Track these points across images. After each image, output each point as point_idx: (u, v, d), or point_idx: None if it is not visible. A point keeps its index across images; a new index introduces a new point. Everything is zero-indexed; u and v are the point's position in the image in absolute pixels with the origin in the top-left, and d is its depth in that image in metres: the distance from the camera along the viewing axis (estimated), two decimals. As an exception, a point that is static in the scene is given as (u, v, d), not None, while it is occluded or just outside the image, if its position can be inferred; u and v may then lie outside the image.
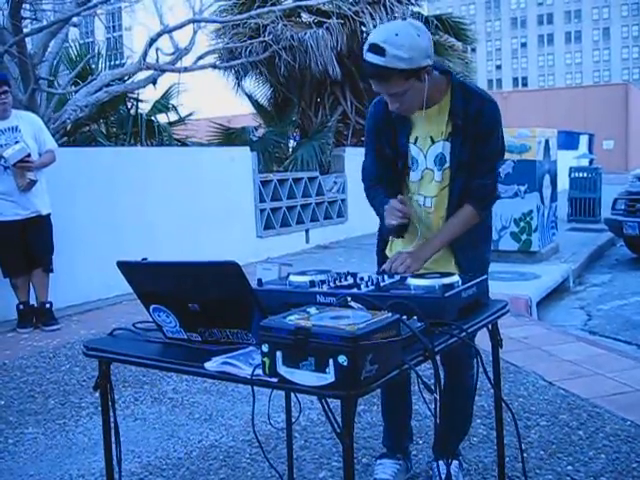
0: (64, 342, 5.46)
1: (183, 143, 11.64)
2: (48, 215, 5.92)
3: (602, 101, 46.46)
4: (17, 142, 5.64)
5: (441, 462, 2.69)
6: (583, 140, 29.53)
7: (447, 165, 2.48)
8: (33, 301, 5.99)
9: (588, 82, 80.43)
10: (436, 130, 2.47)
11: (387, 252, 2.72)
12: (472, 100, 2.43)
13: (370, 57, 2.21)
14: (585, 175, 14.09)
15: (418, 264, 2.35)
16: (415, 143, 2.52)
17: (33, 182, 5.68)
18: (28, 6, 8.01)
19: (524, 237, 8.66)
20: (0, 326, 5.94)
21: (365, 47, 2.24)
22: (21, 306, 5.88)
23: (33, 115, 6.26)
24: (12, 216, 5.69)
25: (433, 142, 2.49)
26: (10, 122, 5.76)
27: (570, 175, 14.21)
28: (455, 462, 2.79)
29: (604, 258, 10.23)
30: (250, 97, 13.09)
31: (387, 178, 2.60)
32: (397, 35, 2.20)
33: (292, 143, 12.64)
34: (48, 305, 6.01)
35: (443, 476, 2.57)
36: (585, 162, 21.94)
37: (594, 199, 13.74)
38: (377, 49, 2.18)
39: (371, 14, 10.62)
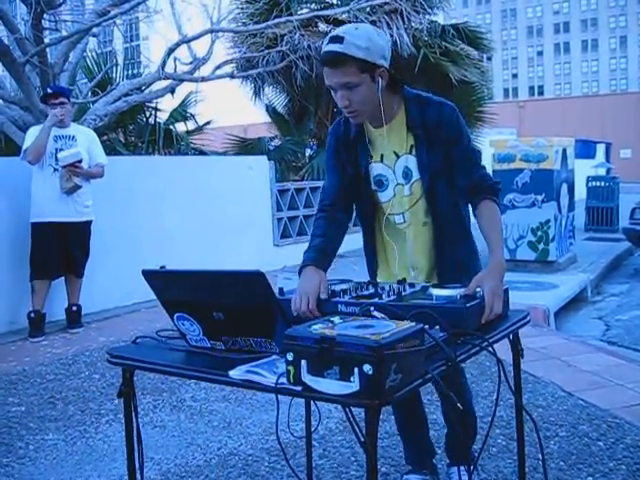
0: (83, 349, 5.50)
1: (201, 152, 11.72)
2: (89, 222, 6.14)
3: (619, 109, 46.27)
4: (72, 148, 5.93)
5: (460, 468, 2.69)
6: (600, 149, 29.41)
7: (414, 178, 2.45)
8: (48, 311, 6.08)
9: (605, 90, 80.00)
10: (398, 145, 2.45)
11: (379, 277, 2.66)
12: (428, 109, 2.39)
13: (328, 47, 2.21)
14: (602, 184, 14.04)
15: (500, 296, 2.17)
16: (382, 161, 2.49)
17: (77, 187, 5.91)
18: (49, 17, 8.10)
19: (541, 246, 8.63)
20: (19, 333, 5.99)
21: (325, 42, 2.25)
22: (32, 314, 5.93)
23: (90, 130, 6.65)
24: (53, 217, 5.88)
25: (398, 157, 2.46)
26: (68, 131, 6.07)
27: (587, 184, 14.16)
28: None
29: (622, 268, 10.18)
30: (267, 106, 13.15)
31: (345, 201, 2.55)
32: (357, 29, 2.24)
33: (309, 152, 12.69)
34: (75, 308, 6.17)
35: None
36: (602, 171, 21.84)
37: (612, 208, 13.68)
38: (336, 38, 2.19)
39: (388, 23, 10.64)
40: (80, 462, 3.37)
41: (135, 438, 2.17)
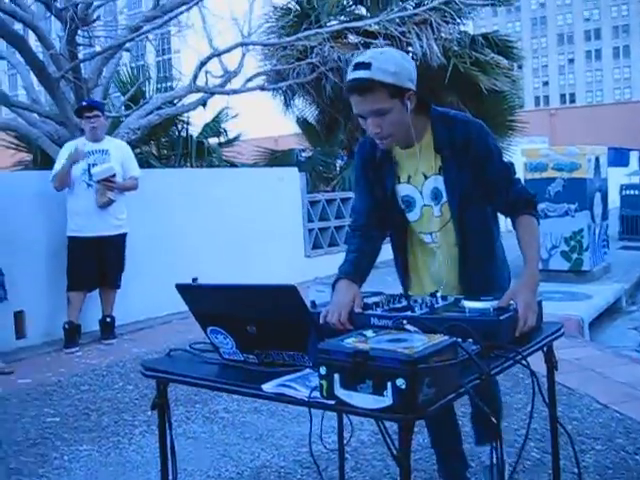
0: (117, 360, 5.56)
1: (232, 164, 11.80)
2: (124, 235, 6.23)
3: (653, 116, 45.62)
4: (105, 162, 6.00)
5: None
6: (634, 157, 29.04)
7: (444, 199, 2.42)
8: (82, 322, 6.16)
9: (637, 97, 79.03)
10: (426, 165, 2.41)
11: (410, 292, 2.63)
12: (455, 128, 2.35)
13: (355, 74, 2.17)
14: (636, 192, 13.87)
15: (534, 309, 2.16)
16: (409, 182, 2.46)
17: (111, 201, 6.00)
18: (83, 33, 8.23)
19: (575, 256, 8.54)
20: (54, 344, 6.07)
21: (350, 69, 2.21)
22: (67, 325, 6.01)
23: (124, 143, 6.72)
24: (88, 232, 5.98)
25: (426, 178, 2.43)
26: (101, 145, 6.14)
27: (621, 192, 13.99)
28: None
29: (658, 277, 10.00)
30: (297, 118, 13.21)
31: (377, 220, 2.54)
32: (382, 54, 2.22)
33: (340, 163, 12.71)
34: (109, 319, 6.26)
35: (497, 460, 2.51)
36: (636, 179, 21.54)
37: (646, 217, 13.49)
38: (363, 65, 2.16)
39: (417, 34, 10.65)
40: (114, 473, 3.40)
41: (169, 450, 2.19)
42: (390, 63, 2.16)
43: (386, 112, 2.20)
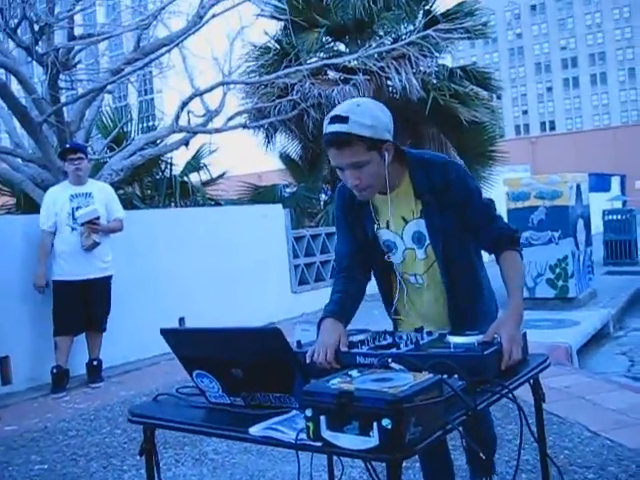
0: (104, 404, 5.50)
1: (216, 202, 11.83)
2: (110, 277, 6.21)
3: (632, 141, 46.27)
4: (89, 205, 6.01)
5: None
6: (615, 182, 29.37)
7: (428, 242, 2.44)
8: (69, 366, 6.10)
9: (616, 123, 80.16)
10: (406, 210, 2.42)
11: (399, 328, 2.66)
12: (434, 172, 2.35)
13: (332, 127, 2.16)
14: (619, 217, 13.98)
15: (519, 342, 2.15)
16: (388, 227, 2.47)
17: (96, 244, 5.99)
18: (65, 77, 8.28)
19: (560, 283, 8.59)
20: (40, 389, 6.01)
21: (326, 122, 2.20)
22: (55, 370, 5.96)
23: (107, 185, 6.72)
24: (73, 276, 5.97)
25: (406, 222, 2.44)
26: (85, 188, 6.15)
27: (604, 218, 14.11)
28: (494, 476, 2.85)
29: (643, 301, 10.06)
30: (280, 154, 13.29)
31: (361, 262, 2.55)
32: (359, 106, 2.19)
33: (324, 198, 12.77)
34: (96, 362, 6.22)
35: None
36: (618, 204, 21.78)
37: (630, 241, 13.60)
38: (340, 119, 2.15)
39: (396, 69, 10.77)
40: (104, 521, 3.36)
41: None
42: (367, 116, 2.16)
43: (364, 164, 2.21)
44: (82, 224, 5.94)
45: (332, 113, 2.21)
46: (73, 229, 5.97)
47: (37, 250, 6.06)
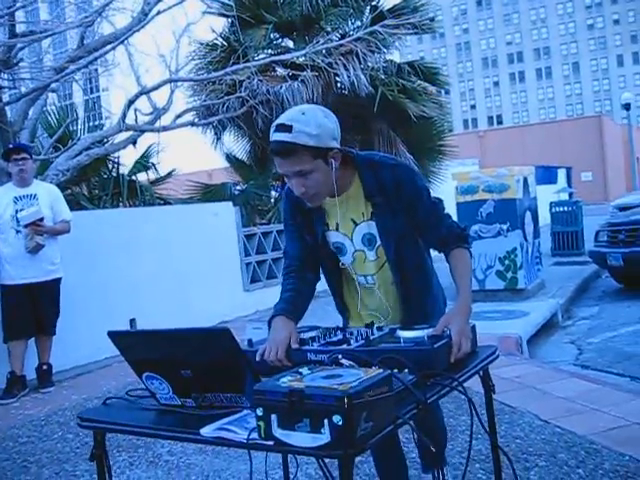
0: (55, 409, 5.40)
1: (165, 201, 11.70)
2: (58, 280, 6.07)
3: (577, 134, 47.18)
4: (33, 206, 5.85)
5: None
6: (561, 174, 29.90)
7: (378, 243, 2.44)
8: (24, 371, 5.96)
9: (562, 116, 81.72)
10: (356, 212, 2.42)
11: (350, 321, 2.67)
12: (382, 173, 2.36)
13: (277, 136, 2.16)
14: (566, 209, 14.25)
15: (468, 335, 2.18)
16: (337, 229, 2.47)
17: (40, 246, 5.83)
18: (7, 75, 8.10)
19: (510, 275, 8.72)
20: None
21: (272, 129, 2.20)
22: (9, 375, 5.84)
23: (53, 186, 6.57)
24: (20, 280, 5.84)
25: (356, 224, 2.44)
26: (29, 190, 6.00)
27: (551, 210, 14.36)
28: (446, 467, 2.92)
29: (591, 290, 10.28)
30: (227, 154, 13.20)
31: (310, 263, 2.56)
32: (304, 114, 2.18)
33: (274, 194, 12.74)
34: (46, 367, 6.10)
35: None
36: (565, 196, 22.19)
37: (576, 232, 13.87)
38: (284, 127, 2.14)
39: (344, 65, 10.78)
40: (56, 528, 3.30)
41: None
42: (312, 125, 2.15)
43: (309, 173, 2.21)
44: (25, 226, 5.79)
45: (277, 121, 2.20)
46: (17, 232, 5.83)
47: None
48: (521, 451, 3.67)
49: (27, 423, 5.10)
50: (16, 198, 5.90)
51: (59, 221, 6.07)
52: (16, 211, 5.85)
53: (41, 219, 5.84)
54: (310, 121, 2.16)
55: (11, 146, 6.30)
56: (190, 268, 8.32)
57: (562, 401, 4.49)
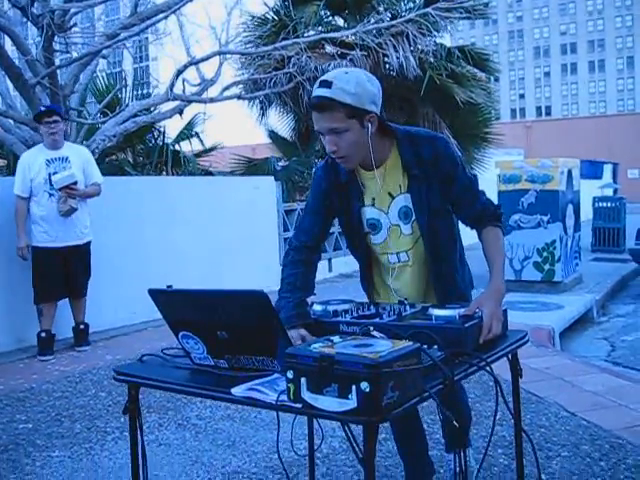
0: (90, 367, 5.55)
1: (208, 172, 11.81)
2: (89, 242, 6.12)
3: (627, 130, 46.18)
4: (66, 170, 5.87)
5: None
6: (607, 169, 29.37)
7: (414, 217, 2.45)
8: (55, 329, 6.09)
9: (612, 111, 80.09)
10: (393, 185, 2.43)
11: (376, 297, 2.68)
12: (422, 146, 2.38)
13: (317, 91, 2.19)
14: (609, 205, 14.06)
15: (499, 318, 2.20)
16: (373, 205, 2.47)
17: (73, 209, 5.86)
18: (60, 39, 8.22)
19: (547, 267, 8.66)
20: (27, 351, 6.04)
21: (315, 85, 2.23)
22: (43, 334, 5.96)
23: (84, 148, 6.57)
24: (53, 243, 5.89)
25: (393, 197, 2.45)
26: (61, 152, 5.99)
27: (594, 205, 14.18)
28: (469, 450, 2.93)
29: (628, 288, 10.17)
30: (271, 132, 13.24)
31: (322, 243, 2.58)
32: (346, 74, 2.22)
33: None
34: (83, 326, 6.22)
35: (461, 466, 2.55)
36: (609, 192, 21.82)
37: (618, 229, 13.68)
38: (325, 83, 2.18)
39: (394, 46, 10.72)
40: (86, 479, 3.41)
41: (140, 456, 2.21)
42: (352, 84, 2.18)
43: (343, 131, 2.22)
44: (59, 189, 5.81)
45: (321, 78, 2.24)
46: (51, 195, 5.84)
47: (10, 214, 5.94)
48: (545, 440, 3.68)
49: (62, 379, 5.25)
50: (48, 161, 5.90)
51: (90, 184, 6.09)
52: (49, 174, 5.85)
53: (75, 183, 5.86)
54: (351, 80, 2.19)
55: (43, 108, 6.28)
56: (229, 239, 8.41)
57: (590, 395, 4.48)
